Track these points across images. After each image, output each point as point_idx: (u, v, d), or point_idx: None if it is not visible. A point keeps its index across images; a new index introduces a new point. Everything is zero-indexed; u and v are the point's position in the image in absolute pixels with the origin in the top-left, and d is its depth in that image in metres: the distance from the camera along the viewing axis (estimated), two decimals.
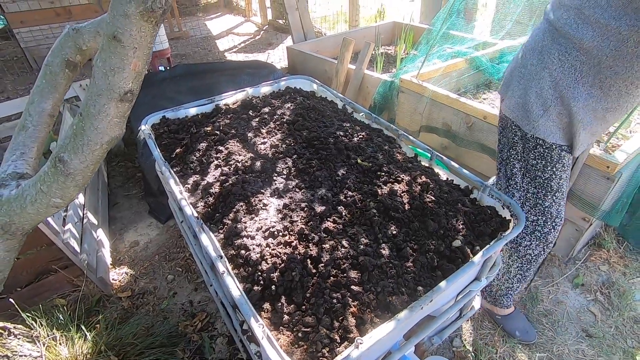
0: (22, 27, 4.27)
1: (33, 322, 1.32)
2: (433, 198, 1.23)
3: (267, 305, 0.93)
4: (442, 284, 0.95)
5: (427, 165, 1.45)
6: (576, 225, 1.78)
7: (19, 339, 1.22)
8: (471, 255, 1.08)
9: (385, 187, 1.27)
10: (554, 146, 1.26)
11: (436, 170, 1.43)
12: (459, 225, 1.17)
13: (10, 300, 1.40)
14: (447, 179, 1.39)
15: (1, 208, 0.78)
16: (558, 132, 1.23)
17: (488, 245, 1.08)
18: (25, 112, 0.87)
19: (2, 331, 1.17)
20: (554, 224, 1.38)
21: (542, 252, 1.43)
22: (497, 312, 1.63)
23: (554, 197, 1.34)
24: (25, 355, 1.19)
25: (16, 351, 1.17)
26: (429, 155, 1.44)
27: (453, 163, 1.36)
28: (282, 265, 1.00)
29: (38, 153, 0.87)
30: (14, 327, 1.24)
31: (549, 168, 1.30)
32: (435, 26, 2.42)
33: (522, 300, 1.72)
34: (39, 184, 0.75)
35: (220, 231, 1.14)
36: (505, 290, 1.55)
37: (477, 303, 1.40)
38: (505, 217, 1.22)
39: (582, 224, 1.76)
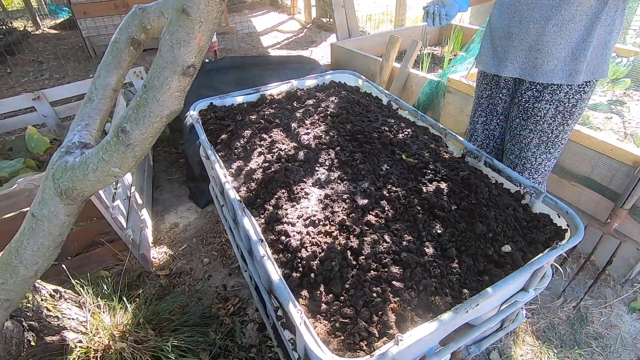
0: (85, 17, 4.59)
1: (81, 289, 1.40)
2: (482, 200, 1.16)
3: (305, 293, 0.92)
4: (490, 289, 0.89)
5: (475, 166, 1.39)
6: (637, 244, 1.63)
7: (68, 302, 1.29)
8: (522, 262, 1.01)
9: (430, 185, 1.22)
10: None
11: (485, 172, 1.36)
12: (509, 230, 1.10)
13: (63, 266, 1.50)
14: (497, 182, 1.32)
15: (66, 174, 0.82)
16: (484, 56, 1.53)
17: (541, 254, 1.01)
18: (91, 85, 0.91)
19: (55, 294, 1.25)
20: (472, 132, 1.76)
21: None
22: None
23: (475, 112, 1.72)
24: (72, 318, 1.26)
25: (65, 313, 1.24)
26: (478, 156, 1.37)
27: (503, 166, 1.29)
28: (322, 254, 0.98)
29: (100, 125, 0.92)
30: (65, 292, 1.32)
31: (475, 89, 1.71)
32: None
33: (570, 319, 1.60)
34: (101, 153, 0.78)
35: (261, 216, 1.15)
36: None
37: (520, 316, 1.32)
38: (560, 227, 1.14)
39: None
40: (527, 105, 1.45)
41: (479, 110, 1.68)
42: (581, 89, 1.35)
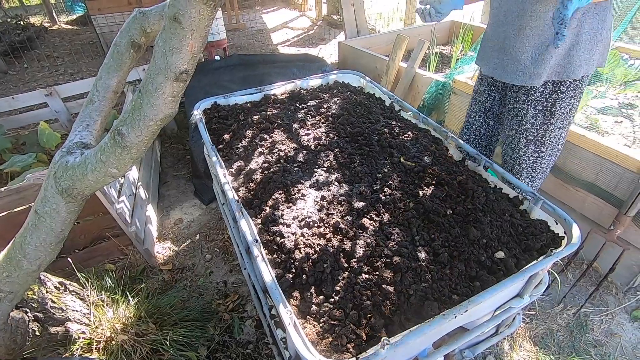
0: (98, 14, 4.67)
1: (85, 282, 1.45)
2: (478, 205, 1.16)
3: (296, 294, 0.94)
4: (480, 295, 0.90)
5: (475, 170, 1.38)
6: None
7: (72, 295, 1.34)
8: (515, 269, 1.01)
9: (427, 189, 1.22)
10: None
11: (484, 176, 1.35)
12: (504, 236, 1.10)
13: (69, 259, 1.55)
14: (496, 186, 1.31)
15: (66, 173, 0.85)
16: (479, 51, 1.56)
17: (535, 261, 1.01)
18: (93, 87, 0.94)
19: (60, 286, 1.29)
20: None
21: None
22: None
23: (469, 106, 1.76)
24: (76, 310, 1.30)
25: (69, 305, 1.29)
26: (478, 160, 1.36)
27: (503, 170, 1.28)
28: (315, 255, 1.00)
29: (101, 125, 0.95)
30: (70, 284, 1.36)
31: None
32: None
33: (569, 326, 1.59)
34: (99, 154, 0.81)
35: (258, 216, 1.17)
36: None
37: (517, 322, 1.31)
38: (557, 234, 1.13)
39: None
40: (512, 106, 1.49)
41: (471, 104, 1.73)
42: (557, 89, 1.37)
